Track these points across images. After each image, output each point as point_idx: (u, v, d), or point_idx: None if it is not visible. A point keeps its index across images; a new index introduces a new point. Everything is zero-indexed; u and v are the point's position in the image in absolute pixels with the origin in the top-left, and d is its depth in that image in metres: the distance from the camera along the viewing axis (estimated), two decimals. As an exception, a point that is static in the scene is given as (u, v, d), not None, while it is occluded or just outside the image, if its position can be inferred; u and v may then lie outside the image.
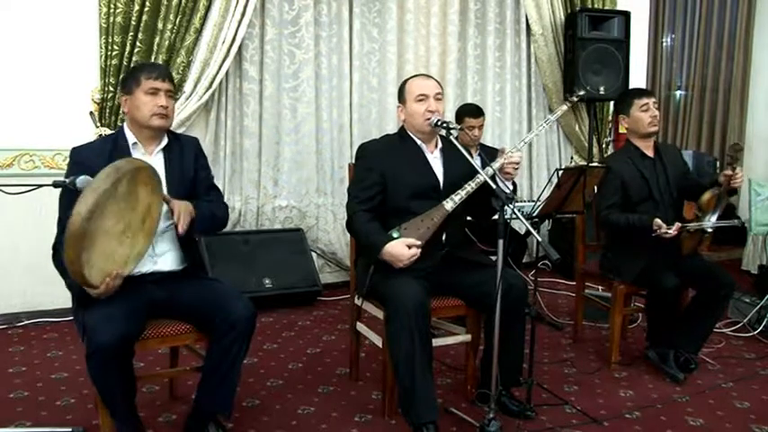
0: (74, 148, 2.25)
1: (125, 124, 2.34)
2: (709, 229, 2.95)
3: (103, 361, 1.97)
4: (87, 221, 1.83)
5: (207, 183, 2.45)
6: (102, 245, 1.94)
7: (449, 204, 2.45)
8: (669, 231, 2.80)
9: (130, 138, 2.29)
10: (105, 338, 1.94)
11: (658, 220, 2.82)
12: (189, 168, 2.38)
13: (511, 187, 2.53)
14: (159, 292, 2.24)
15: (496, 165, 2.46)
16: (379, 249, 2.38)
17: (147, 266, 2.24)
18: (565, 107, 2.91)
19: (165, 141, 2.35)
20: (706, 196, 2.97)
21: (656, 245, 2.89)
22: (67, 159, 3.65)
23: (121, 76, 2.35)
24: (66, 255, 1.87)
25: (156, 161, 2.29)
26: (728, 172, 2.90)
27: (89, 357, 1.98)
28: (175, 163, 2.34)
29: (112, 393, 2.05)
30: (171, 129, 2.40)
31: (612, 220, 3.00)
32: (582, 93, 2.98)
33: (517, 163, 2.51)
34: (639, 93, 3.16)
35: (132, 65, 3.67)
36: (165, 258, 2.30)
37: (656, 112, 3.08)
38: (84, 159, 2.19)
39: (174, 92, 2.34)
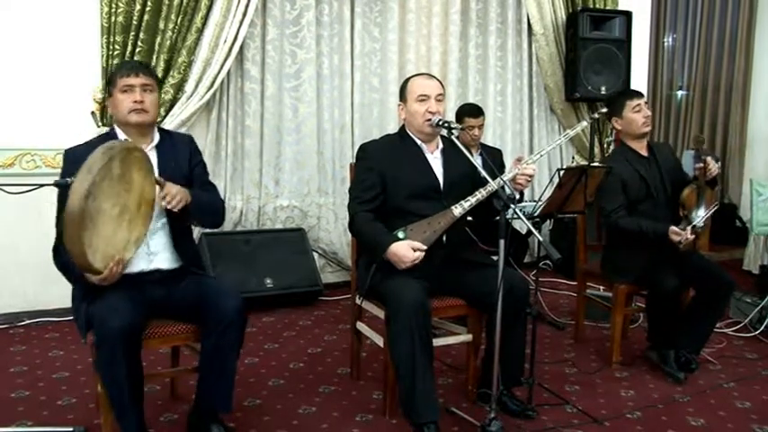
0: (67, 149, 2.26)
1: (115, 126, 2.34)
2: (701, 224, 2.94)
3: (112, 350, 1.97)
4: (85, 200, 1.82)
5: (203, 179, 2.43)
6: (102, 227, 1.93)
7: (457, 210, 2.45)
8: (689, 237, 2.79)
9: (121, 135, 2.29)
10: (115, 325, 1.96)
11: (674, 228, 2.81)
12: (183, 165, 2.36)
13: (518, 196, 2.53)
14: (158, 290, 2.25)
15: (510, 175, 2.46)
16: (385, 249, 2.38)
17: (143, 265, 2.24)
18: (585, 123, 2.91)
19: (156, 139, 2.34)
20: (686, 192, 2.97)
21: (656, 246, 2.89)
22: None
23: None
24: (66, 236, 1.86)
25: (150, 159, 2.27)
26: (699, 165, 2.91)
27: (98, 346, 2.00)
28: (169, 160, 2.32)
29: (120, 388, 2.03)
30: (165, 127, 2.39)
31: (623, 226, 2.98)
32: (604, 110, 3.01)
33: (531, 176, 2.50)
34: (631, 94, 3.17)
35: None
36: (160, 256, 2.29)
37: (649, 112, 3.09)
38: (78, 159, 2.16)
39: (154, 85, 2.30)
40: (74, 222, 1.83)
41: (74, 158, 2.18)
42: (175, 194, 2.15)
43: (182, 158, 2.37)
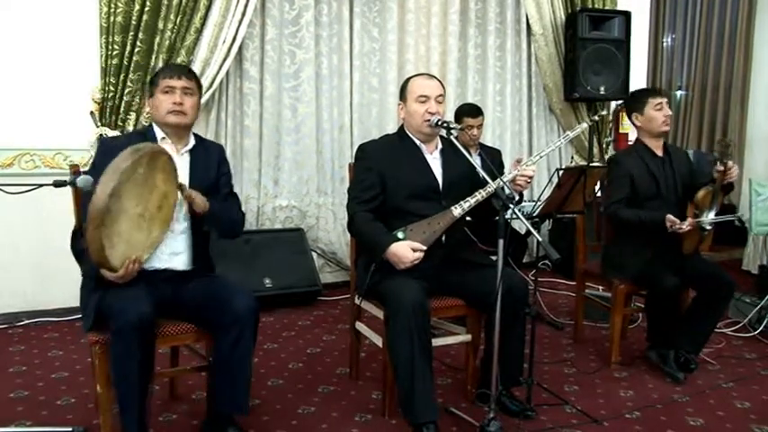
0: (103, 139, 2.33)
1: (153, 124, 2.40)
2: (708, 226, 2.96)
3: (129, 340, 1.99)
4: (110, 198, 1.89)
5: (227, 189, 2.49)
6: (123, 226, 1.99)
7: (457, 210, 2.45)
8: (683, 227, 2.80)
9: (159, 133, 2.35)
10: (134, 316, 1.98)
11: (671, 216, 2.83)
12: (212, 173, 2.43)
13: (518, 197, 2.53)
14: (166, 289, 2.27)
15: (509, 176, 2.46)
16: (385, 249, 2.38)
17: (157, 263, 2.27)
18: (585, 125, 2.91)
19: (192, 143, 2.40)
20: (701, 193, 2.98)
21: (658, 244, 2.89)
22: (68, 159, 3.68)
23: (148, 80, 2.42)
24: (87, 232, 1.91)
25: (182, 161, 2.34)
26: (720, 168, 2.91)
27: (115, 336, 2.01)
28: (200, 166, 2.39)
29: (130, 381, 2.03)
30: (199, 134, 2.47)
31: (622, 216, 3.00)
32: (604, 112, 3.01)
33: (530, 177, 2.50)
34: (654, 92, 3.18)
35: (133, 64, 3.68)
36: (178, 258, 2.33)
37: (669, 112, 3.11)
38: (111, 151, 2.17)
39: (195, 89, 2.37)
40: (97, 219, 1.89)
41: (106, 150, 2.23)
42: (196, 197, 2.24)
43: (211, 166, 2.44)
